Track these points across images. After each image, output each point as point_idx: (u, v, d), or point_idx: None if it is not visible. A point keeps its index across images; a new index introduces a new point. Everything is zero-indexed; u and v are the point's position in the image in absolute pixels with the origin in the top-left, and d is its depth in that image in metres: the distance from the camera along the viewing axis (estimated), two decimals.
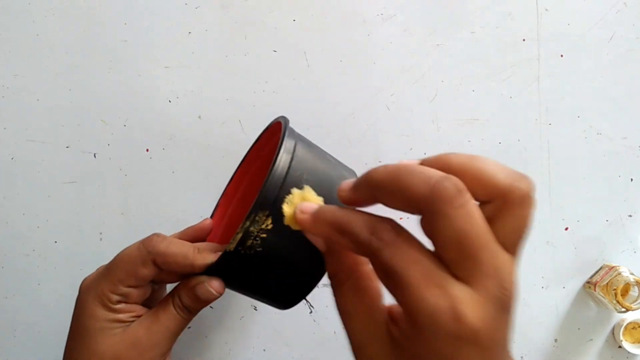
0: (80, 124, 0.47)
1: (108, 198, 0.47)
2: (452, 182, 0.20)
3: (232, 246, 0.30)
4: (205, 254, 0.32)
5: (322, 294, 0.48)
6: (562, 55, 0.48)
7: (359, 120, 0.47)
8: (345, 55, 0.48)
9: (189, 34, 0.47)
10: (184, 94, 0.47)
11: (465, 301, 0.20)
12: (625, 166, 0.48)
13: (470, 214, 0.20)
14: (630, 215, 0.48)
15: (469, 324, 0.20)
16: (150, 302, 0.36)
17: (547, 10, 0.48)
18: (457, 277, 0.21)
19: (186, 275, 0.33)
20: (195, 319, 0.47)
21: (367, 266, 0.25)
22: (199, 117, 0.47)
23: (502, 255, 0.21)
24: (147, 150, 0.47)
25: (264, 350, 0.48)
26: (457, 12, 0.48)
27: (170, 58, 0.47)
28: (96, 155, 0.47)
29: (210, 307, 0.47)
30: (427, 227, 0.21)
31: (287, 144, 0.32)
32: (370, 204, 0.24)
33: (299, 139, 0.33)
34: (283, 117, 0.36)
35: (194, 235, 0.39)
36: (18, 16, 0.47)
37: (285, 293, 0.34)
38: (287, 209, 0.26)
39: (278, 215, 0.27)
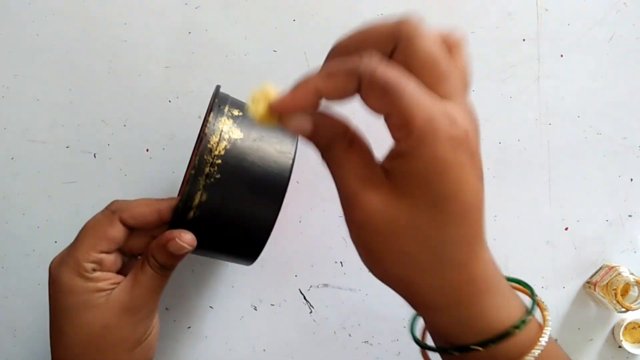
0: (80, 124, 0.47)
1: (108, 198, 0.47)
2: (413, 17, 0.23)
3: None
4: (168, 200, 0.33)
5: (322, 294, 0.48)
6: (562, 55, 0.48)
7: (359, 120, 0.47)
8: None
9: (189, 34, 0.47)
10: (184, 94, 0.47)
11: (455, 109, 0.22)
12: (625, 166, 0.48)
13: (435, 39, 0.23)
14: (630, 215, 0.48)
15: (461, 125, 0.22)
16: (124, 273, 0.36)
17: (547, 10, 0.48)
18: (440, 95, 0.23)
19: (155, 233, 0.34)
20: (195, 319, 0.47)
21: (352, 129, 0.26)
22: (199, 117, 0.47)
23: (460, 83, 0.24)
24: (147, 150, 0.47)
25: (264, 350, 0.48)
26: (457, 12, 0.48)
27: (170, 58, 0.47)
28: (96, 155, 0.47)
29: (210, 307, 0.48)
30: (403, 56, 0.23)
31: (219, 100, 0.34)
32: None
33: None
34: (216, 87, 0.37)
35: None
36: (18, 16, 0.47)
37: (248, 242, 0.35)
38: (254, 107, 0.24)
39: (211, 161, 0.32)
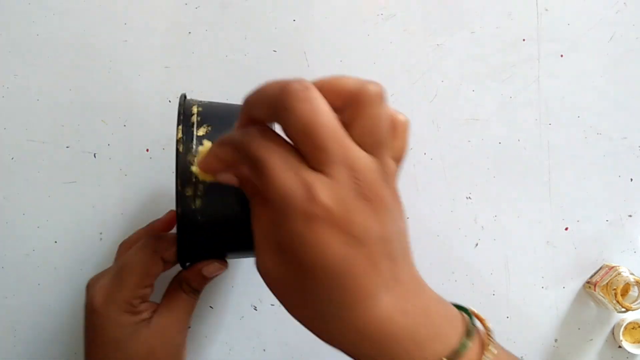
0: (80, 124, 0.47)
1: (108, 198, 0.47)
2: (298, 81, 0.22)
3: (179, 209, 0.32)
4: None
5: None
6: (562, 55, 0.48)
7: None
8: (345, 55, 0.48)
9: (189, 34, 0.47)
10: None
11: (317, 184, 0.22)
12: (625, 166, 0.48)
13: (316, 107, 0.22)
14: (630, 215, 0.48)
15: (320, 202, 0.22)
16: None
17: (547, 10, 0.48)
18: (313, 167, 0.23)
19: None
20: (195, 319, 0.47)
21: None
22: None
23: (354, 149, 0.23)
24: (147, 150, 0.47)
25: (264, 350, 0.48)
26: (457, 12, 0.48)
27: (170, 58, 0.47)
28: (96, 155, 0.47)
29: (210, 307, 0.48)
30: (283, 125, 0.23)
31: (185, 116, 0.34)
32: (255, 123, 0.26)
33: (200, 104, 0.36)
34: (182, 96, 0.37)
35: (163, 229, 0.42)
36: (18, 16, 0.47)
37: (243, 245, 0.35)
38: (194, 168, 0.30)
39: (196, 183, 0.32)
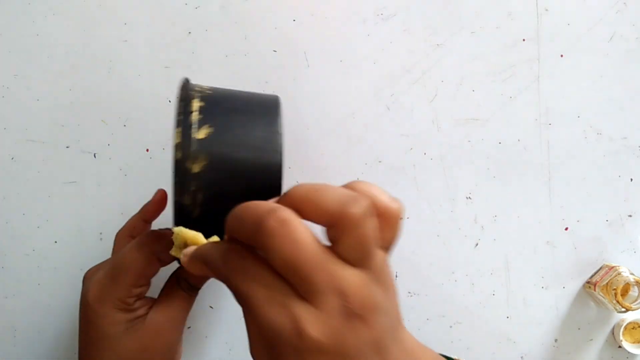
0: (80, 124, 0.47)
1: (108, 198, 0.47)
2: (274, 217, 0.22)
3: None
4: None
5: None
6: (562, 55, 0.48)
7: (359, 120, 0.47)
8: (345, 55, 0.48)
9: (189, 34, 0.47)
10: None
11: (306, 318, 0.22)
12: (625, 166, 0.48)
13: (295, 241, 0.22)
14: (630, 215, 0.48)
15: (310, 338, 0.21)
16: None
17: (547, 10, 0.48)
18: (301, 297, 0.22)
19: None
20: (195, 319, 0.47)
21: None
22: None
23: (340, 272, 0.22)
24: (147, 150, 0.47)
25: None
26: (457, 12, 0.48)
27: (170, 58, 0.47)
28: (96, 155, 0.47)
29: (210, 306, 0.48)
30: (265, 256, 0.23)
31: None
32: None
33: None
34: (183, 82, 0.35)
35: (156, 210, 0.41)
36: (18, 16, 0.47)
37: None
38: (174, 252, 0.29)
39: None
